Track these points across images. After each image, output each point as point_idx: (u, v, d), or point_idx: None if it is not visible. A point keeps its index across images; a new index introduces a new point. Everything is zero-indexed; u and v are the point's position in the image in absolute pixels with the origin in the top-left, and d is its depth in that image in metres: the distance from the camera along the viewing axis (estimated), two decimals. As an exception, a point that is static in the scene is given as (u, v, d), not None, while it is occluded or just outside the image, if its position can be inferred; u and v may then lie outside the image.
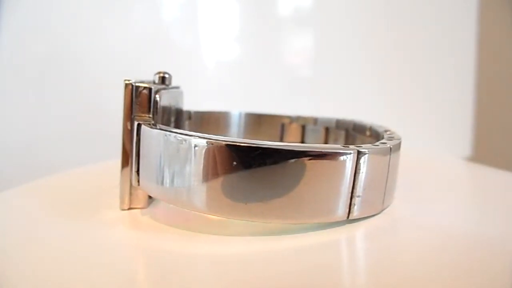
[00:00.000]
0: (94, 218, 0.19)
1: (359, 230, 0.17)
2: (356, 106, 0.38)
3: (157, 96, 0.20)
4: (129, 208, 0.20)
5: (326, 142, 0.29)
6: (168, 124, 0.22)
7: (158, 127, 0.18)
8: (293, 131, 0.29)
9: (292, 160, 0.16)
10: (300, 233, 0.17)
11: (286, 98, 0.41)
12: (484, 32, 0.46)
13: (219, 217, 0.17)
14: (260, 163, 0.16)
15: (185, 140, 0.17)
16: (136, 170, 0.19)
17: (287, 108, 0.29)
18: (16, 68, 0.31)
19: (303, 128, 0.29)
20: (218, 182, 0.16)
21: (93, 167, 0.25)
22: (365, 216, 0.18)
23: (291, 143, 0.17)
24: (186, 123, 0.26)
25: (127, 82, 0.19)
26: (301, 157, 0.16)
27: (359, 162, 0.17)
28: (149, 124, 0.19)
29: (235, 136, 0.28)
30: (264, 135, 0.30)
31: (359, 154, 0.17)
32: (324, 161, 0.16)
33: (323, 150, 0.16)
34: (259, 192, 0.16)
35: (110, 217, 0.19)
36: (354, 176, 0.17)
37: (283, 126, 0.30)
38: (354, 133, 0.27)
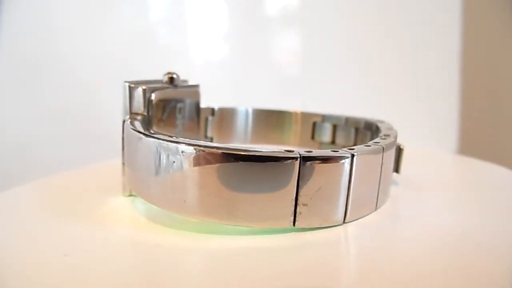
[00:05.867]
0: (91, 216, 0.19)
1: (296, 241, 0.16)
2: (345, 104, 0.35)
3: (152, 95, 0.22)
4: (130, 195, 0.22)
5: (355, 142, 0.27)
6: (172, 121, 0.24)
7: (135, 126, 0.20)
8: (325, 130, 0.28)
9: (229, 162, 0.16)
10: (246, 235, 0.17)
11: (275, 96, 0.39)
12: (468, 30, 0.47)
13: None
14: (196, 163, 0.16)
15: (141, 138, 0.18)
16: (123, 162, 0.21)
17: (278, 107, 0.29)
18: (10, 69, 0.35)
19: (335, 127, 0.28)
20: (165, 179, 0.17)
21: (89, 168, 0.27)
22: (317, 226, 0.17)
23: (233, 145, 0.16)
24: (209, 119, 0.28)
25: (125, 82, 0.22)
26: (238, 160, 0.16)
27: (303, 169, 0.16)
28: (132, 121, 0.20)
29: (260, 133, 0.29)
30: (295, 133, 0.29)
31: (304, 160, 0.16)
32: (264, 165, 0.16)
33: (261, 154, 0.16)
34: (195, 191, 0.17)
35: (104, 215, 0.19)
36: (297, 183, 0.16)
37: (314, 125, 0.29)
38: (375, 135, 0.25)
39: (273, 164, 0.16)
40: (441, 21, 0.47)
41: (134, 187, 0.19)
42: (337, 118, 0.28)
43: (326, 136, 0.28)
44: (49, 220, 0.19)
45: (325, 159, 0.16)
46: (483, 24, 0.49)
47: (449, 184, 0.25)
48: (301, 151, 0.16)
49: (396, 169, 0.22)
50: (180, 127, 0.25)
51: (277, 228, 0.17)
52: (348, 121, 0.27)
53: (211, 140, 0.28)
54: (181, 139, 0.17)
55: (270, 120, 0.29)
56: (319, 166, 0.16)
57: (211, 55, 0.39)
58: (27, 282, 0.14)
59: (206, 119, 0.27)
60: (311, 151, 0.16)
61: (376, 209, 0.19)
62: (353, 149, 0.17)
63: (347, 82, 0.45)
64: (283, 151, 0.16)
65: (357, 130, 0.27)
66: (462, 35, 0.47)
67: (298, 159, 0.16)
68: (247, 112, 0.29)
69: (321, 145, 0.28)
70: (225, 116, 0.28)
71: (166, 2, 0.37)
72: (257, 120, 0.29)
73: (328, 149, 0.17)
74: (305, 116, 0.29)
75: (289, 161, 0.16)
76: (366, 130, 0.26)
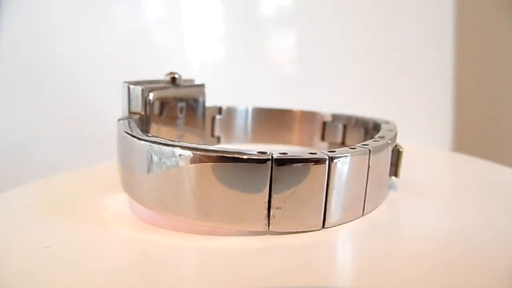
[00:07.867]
0: (87, 214, 0.19)
1: (268, 244, 0.16)
2: (342, 104, 0.33)
3: (150, 94, 0.22)
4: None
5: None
6: (172, 120, 0.24)
7: (128, 126, 0.20)
8: (335, 129, 0.28)
9: (201, 163, 0.16)
10: (225, 236, 0.17)
11: (272, 97, 0.37)
12: (463, 28, 0.48)
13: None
14: (173, 164, 0.16)
15: (126, 137, 0.18)
16: (117, 160, 0.21)
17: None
18: (7, 70, 0.35)
19: (345, 127, 0.27)
20: (145, 178, 0.17)
21: (89, 168, 0.27)
22: (294, 230, 0.16)
23: (204, 146, 0.16)
24: (217, 118, 0.28)
25: (124, 83, 0.22)
26: (210, 161, 0.16)
27: (276, 171, 0.16)
28: (128, 121, 0.21)
29: (266, 133, 0.28)
30: (304, 133, 0.29)
31: (277, 162, 0.16)
32: (237, 166, 0.16)
33: (232, 155, 0.16)
34: (170, 191, 0.17)
35: (100, 212, 0.20)
36: (270, 185, 0.16)
37: (324, 124, 0.28)
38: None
39: (245, 165, 0.16)
40: (435, 19, 0.47)
41: (122, 184, 0.20)
42: (347, 117, 0.27)
43: (337, 135, 0.27)
44: (47, 219, 0.19)
45: (299, 161, 0.16)
46: (477, 24, 0.49)
47: (448, 187, 0.24)
48: (275, 152, 0.16)
49: (395, 173, 0.20)
50: (182, 127, 0.25)
51: (252, 230, 0.17)
52: (358, 121, 0.26)
53: (218, 139, 0.28)
54: (161, 140, 0.17)
55: (277, 119, 0.28)
56: (293, 168, 0.16)
57: (207, 56, 0.40)
58: (26, 280, 0.14)
59: (213, 118, 0.28)
60: (286, 153, 0.16)
61: (363, 214, 0.18)
62: (333, 151, 0.17)
63: (344, 82, 0.45)
64: (255, 152, 0.16)
65: (366, 130, 0.26)
66: (456, 32, 0.47)
67: (271, 161, 0.16)
68: (252, 111, 0.28)
69: (331, 145, 0.28)
70: (232, 115, 0.28)
71: (162, 3, 0.38)
72: (264, 120, 0.28)
73: (307, 151, 0.17)
74: (315, 115, 0.28)
75: (261, 163, 0.16)
76: (374, 131, 0.25)
